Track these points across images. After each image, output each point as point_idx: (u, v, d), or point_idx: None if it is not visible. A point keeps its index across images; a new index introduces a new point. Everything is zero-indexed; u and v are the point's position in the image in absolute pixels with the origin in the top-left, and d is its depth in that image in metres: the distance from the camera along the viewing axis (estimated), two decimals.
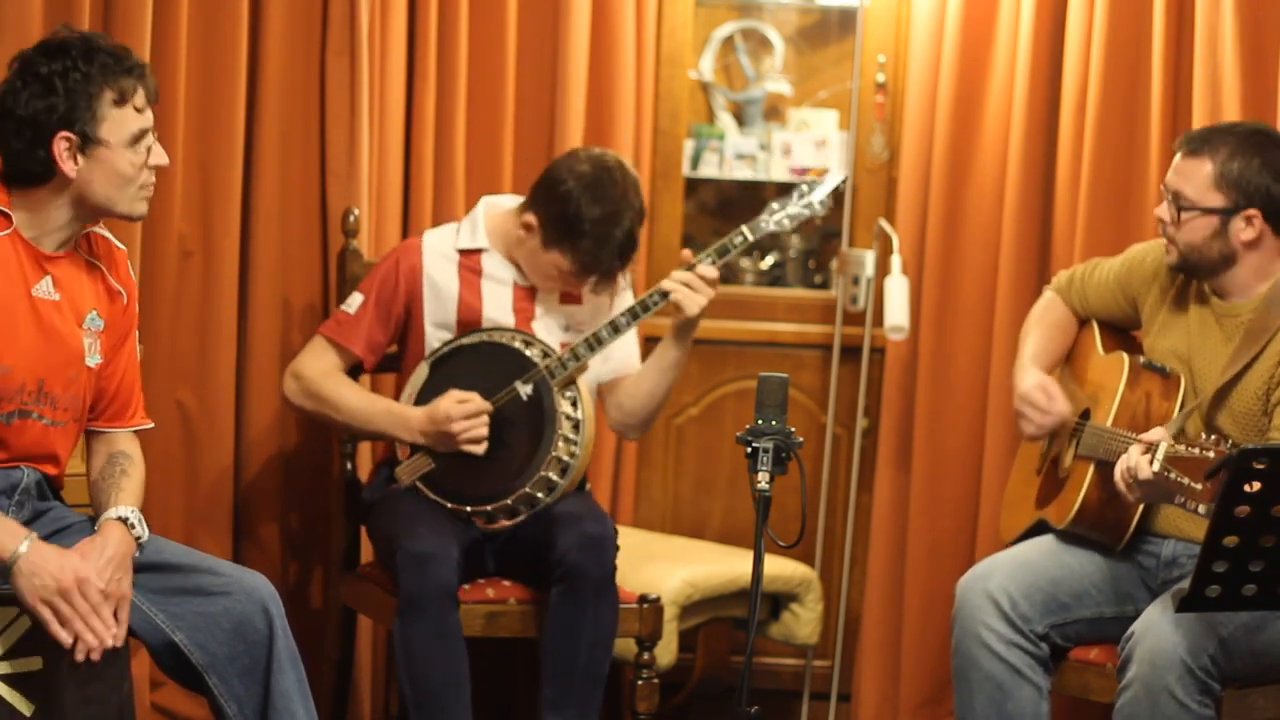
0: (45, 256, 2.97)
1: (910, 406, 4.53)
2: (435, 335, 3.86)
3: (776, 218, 3.84)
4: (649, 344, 4.06)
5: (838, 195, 4.57)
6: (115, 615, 2.87)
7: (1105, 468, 3.40)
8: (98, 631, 2.83)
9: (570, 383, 3.74)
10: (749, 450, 2.86)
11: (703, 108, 4.86)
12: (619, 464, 4.57)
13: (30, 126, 2.90)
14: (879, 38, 4.62)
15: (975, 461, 4.47)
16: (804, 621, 4.34)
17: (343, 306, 3.89)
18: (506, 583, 3.78)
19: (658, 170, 4.63)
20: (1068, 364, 3.75)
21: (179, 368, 4.01)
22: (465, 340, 3.81)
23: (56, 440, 3.02)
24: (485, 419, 3.71)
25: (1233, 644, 3.21)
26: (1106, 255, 3.82)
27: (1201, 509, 3.06)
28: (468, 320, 3.85)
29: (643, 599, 3.79)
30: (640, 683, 3.84)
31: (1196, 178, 3.41)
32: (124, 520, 2.96)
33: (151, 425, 3.23)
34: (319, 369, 3.85)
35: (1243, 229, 3.40)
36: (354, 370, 3.91)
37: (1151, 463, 3.11)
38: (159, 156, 3.00)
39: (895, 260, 4.46)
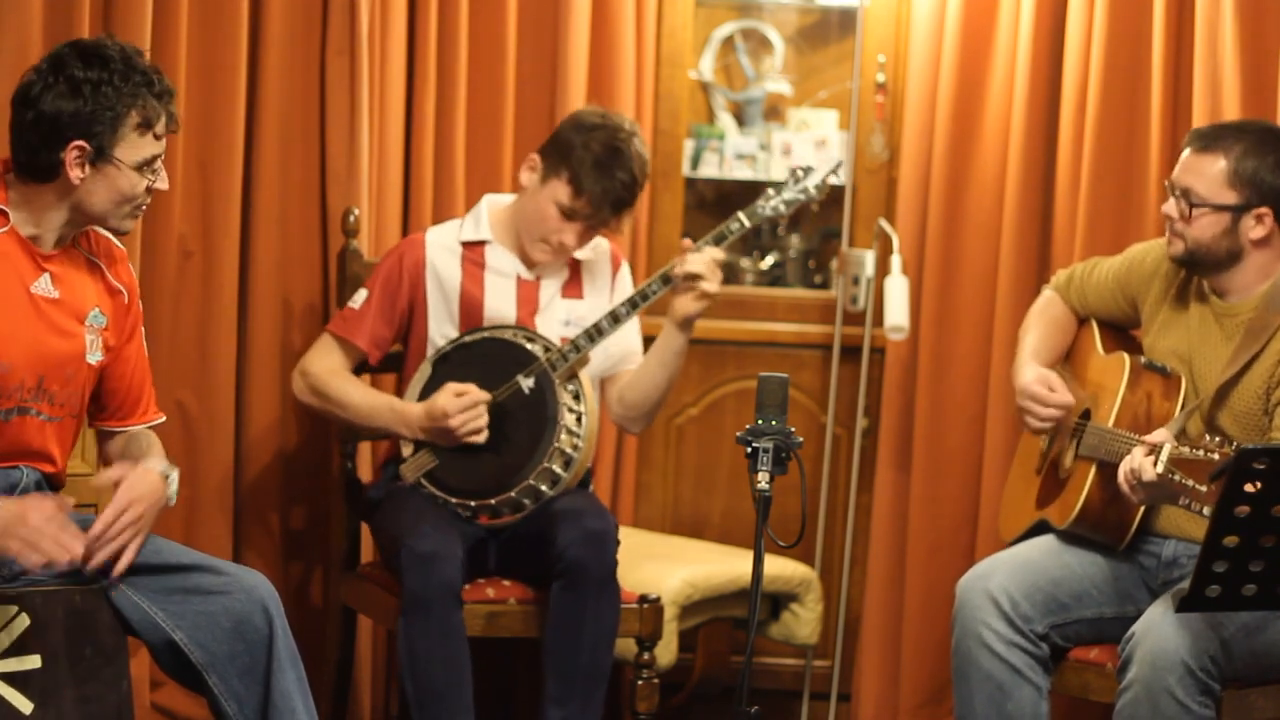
0: (43, 255, 2.97)
1: (910, 406, 4.53)
2: (438, 329, 3.87)
3: (773, 203, 3.86)
4: (648, 344, 4.06)
5: (838, 195, 4.59)
6: (124, 553, 2.91)
7: (1107, 468, 3.40)
8: (67, 546, 2.85)
9: (572, 375, 3.75)
10: (749, 450, 2.86)
11: (703, 108, 4.86)
12: (619, 464, 4.57)
13: (49, 124, 2.90)
14: (879, 38, 4.62)
15: (975, 461, 4.47)
16: (804, 621, 4.34)
17: (349, 303, 3.91)
18: (507, 582, 3.78)
19: (658, 170, 4.63)
20: (1067, 364, 3.75)
21: (179, 368, 4.01)
22: (467, 338, 3.82)
23: (54, 436, 3.03)
24: (483, 410, 3.72)
25: (1233, 644, 3.21)
26: (1106, 255, 3.82)
27: (1206, 511, 3.05)
28: (470, 311, 3.87)
29: (643, 599, 3.79)
30: (640, 683, 3.84)
31: (1208, 174, 3.40)
32: (164, 476, 3.02)
33: (164, 419, 3.27)
34: (325, 367, 3.87)
35: (1253, 227, 3.40)
36: (360, 368, 3.92)
37: (1156, 465, 3.11)
38: (162, 182, 3.01)
39: (895, 260, 4.46)
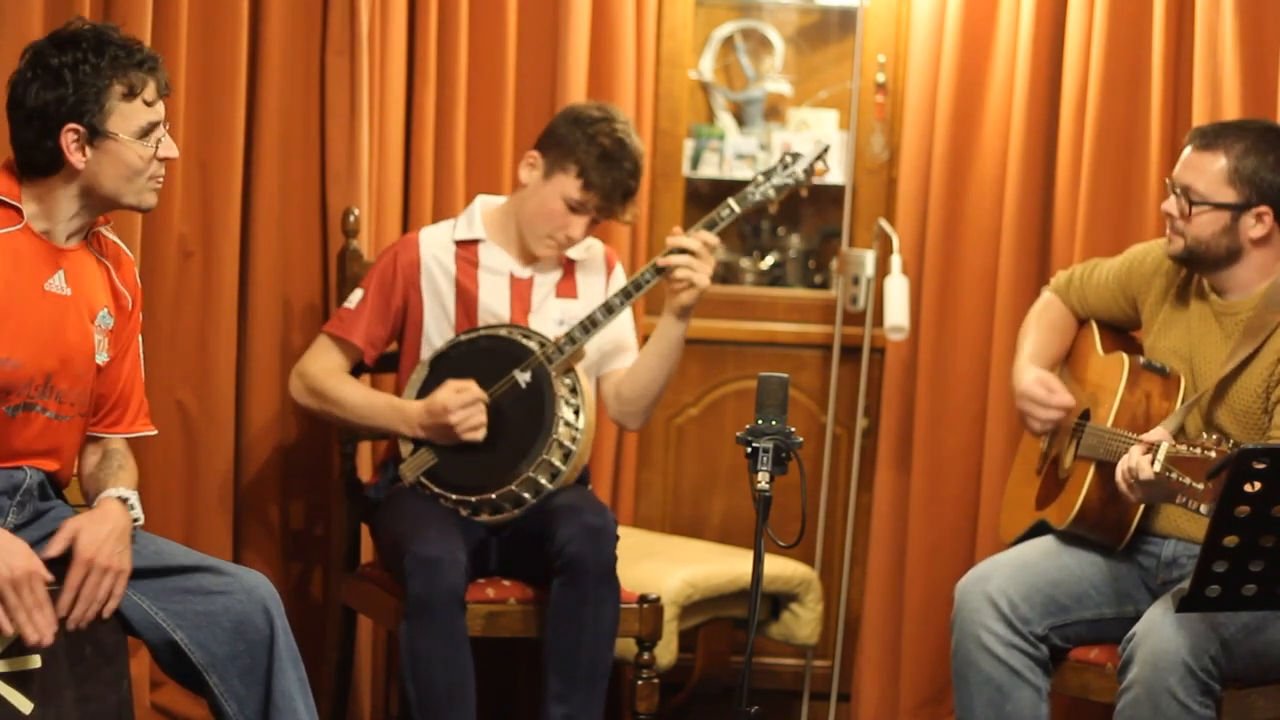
0: (58, 250, 2.98)
1: (910, 406, 4.53)
2: (434, 327, 3.87)
3: (762, 188, 3.86)
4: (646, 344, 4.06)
5: (838, 195, 4.59)
6: (113, 590, 2.88)
7: (1106, 468, 3.40)
8: (39, 627, 2.81)
9: (569, 369, 3.76)
10: (749, 450, 2.86)
11: (703, 108, 4.86)
12: (619, 464, 4.57)
13: (39, 118, 2.91)
14: (879, 38, 4.62)
15: (975, 461, 4.47)
16: (804, 621, 4.34)
17: (344, 303, 3.92)
18: (507, 582, 3.78)
19: (658, 170, 4.63)
20: (1067, 364, 3.75)
21: (179, 368, 4.01)
22: (463, 337, 3.83)
23: (60, 434, 3.02)
24: (482, 406, 3.72)
25: (1234, 644, 3.21)
26: (1106, 255, 3.82)
27: (1203, 509, 3.05)
28: (466, 309, 3.87)
29: (643, 599, 3.79)
30: (640, 683, 3.84)
31: (1209, 172, 3.40)
32: (123, 500, 2.97)
33: (154, 432, 3.25)
34: (322, 367, 3.87)
35: (1253, 225, 3.40)
36: (356, 368, 3.93)
37: (1153, 463, 3.11)
38: (169, 149, 3.01)
39: (895, 260, 4.46)
